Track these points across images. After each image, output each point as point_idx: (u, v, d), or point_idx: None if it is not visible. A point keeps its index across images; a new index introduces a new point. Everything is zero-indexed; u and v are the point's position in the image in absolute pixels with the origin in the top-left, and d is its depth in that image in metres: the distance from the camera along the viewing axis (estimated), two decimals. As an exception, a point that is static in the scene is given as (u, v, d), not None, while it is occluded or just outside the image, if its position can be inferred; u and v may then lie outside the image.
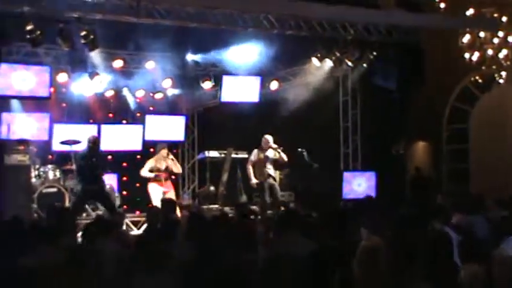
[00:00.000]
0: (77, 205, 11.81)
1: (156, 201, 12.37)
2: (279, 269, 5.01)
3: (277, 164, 13.58)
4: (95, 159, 11.82)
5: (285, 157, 13.43)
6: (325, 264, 5.09)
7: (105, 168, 12.48)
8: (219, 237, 7.05)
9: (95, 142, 12.01)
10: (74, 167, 12.43)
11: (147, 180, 13.47)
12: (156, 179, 13.32)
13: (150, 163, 13.44)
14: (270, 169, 13.45)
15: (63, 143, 13.04)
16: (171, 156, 13.68)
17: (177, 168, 13.74)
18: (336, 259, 5.13)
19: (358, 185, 14.99)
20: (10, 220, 6.36)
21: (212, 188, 14.93)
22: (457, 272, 4.95)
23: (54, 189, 13.03)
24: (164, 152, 13.52)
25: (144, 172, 13.39)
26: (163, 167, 13.39)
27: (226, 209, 13.50)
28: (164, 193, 13.14)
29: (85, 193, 11.83)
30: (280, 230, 7.27)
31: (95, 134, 13.01)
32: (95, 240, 6.67)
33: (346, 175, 15.36)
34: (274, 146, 13.41)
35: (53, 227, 7.02)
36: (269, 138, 13.48)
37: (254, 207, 14.54)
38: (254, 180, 13.44)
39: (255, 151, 13.50)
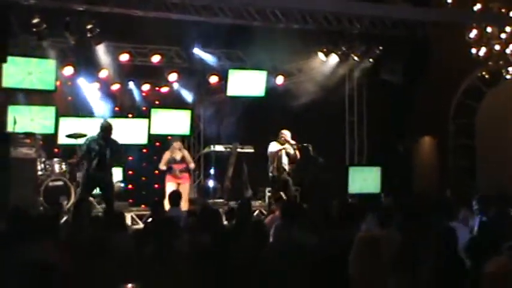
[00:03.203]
0: (83, 194, 11.62)
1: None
2: (281, 262, 5.01)
3: (290, 159, 13.44)
4: (104, 146, 11.47)
5: (298, 155, 13.33)
6: (327, 258, 5.11)
7: (117, 157, 12.05)
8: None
9: (105, 129, 11.59)
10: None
11: (164, 175, 13.66)
12: (171, 174, 13.52)
13: (166, 156, 13.65)
14: (285, 164, 13.34)
15: (69, 136, 13.04)
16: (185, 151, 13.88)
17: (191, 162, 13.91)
18: (338, 253, 5.14)
19: (364, 179, 14.97)
20: (13, 210, 6.35)
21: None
22: (462, 266, 4.95)
23: (60, 183, 13.01)
24: (177, 144, 13.71)
25: (162, 165, 13.63)
26: (178, 157, 13.53)
27: (232, 203, 13.50)
28: (178, 185, 13.27)
29: (89, 180, 11.57)
30: (283, 223, 7.27)
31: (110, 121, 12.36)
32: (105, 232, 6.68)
33: (352, 170, 15.35)
34: (292, 142, 13.31)
35: (58, 220, 7.02)
36: (287, 133, 13.33)
37: (259, 201, 14.63)
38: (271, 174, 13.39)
39: (274, 143, 13.36)
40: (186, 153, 14.02)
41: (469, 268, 5.35)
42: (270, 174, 13.30)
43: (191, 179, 14.36)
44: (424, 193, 12.88)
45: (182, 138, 14.61)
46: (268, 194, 14.55)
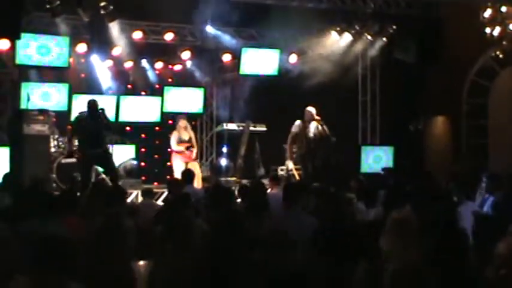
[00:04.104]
0: (84, 173, 11.58)
1: (178, 173, 12.43)
2: (280, 243, 5.05)
3: (319, 136, 13.37)
4: (93, 123, 11.49)
5: (326, 129, 13.28)
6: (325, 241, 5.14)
7: (110, 131, 12.15)
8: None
9: (90, 106, 11.58)
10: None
11: (170, 153, 13.74)
12: (178, 152, 13.54)
13: (174, 136, 13.64)
14: (311, 142, 13.30)
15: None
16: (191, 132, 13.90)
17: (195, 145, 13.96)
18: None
19: (376, 159, 14.98)
20: (30, 187, 6.40)
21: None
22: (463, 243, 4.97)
23: (73, 160, 13.08)
24: (182, 123, 13.69)
25: (174, 146, 13.61)
26: (186, 137, 13.57)
27: (244, 181, 13.53)
28: (186, 163, 13.30)
29: (87, 158, 11.59)
30: (286, 204, 7.28)
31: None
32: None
33: (364, 149, 15.35)
34: (317, 117, 13.27)
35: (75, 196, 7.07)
36: (312, 110, 13.26)
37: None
38: (289, 154, 13.41)
39: (298, 122, 13.34)
40: (192, 134, 13.99)
41: (471, 246, 5.41)
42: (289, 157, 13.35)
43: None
44: (434, 172, 12.82)
45: (188, 117, 14.54)
46: (281, 172, 14.59)
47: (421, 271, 3.87)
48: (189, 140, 13.72)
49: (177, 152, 13.61)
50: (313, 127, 13.27)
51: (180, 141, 13.60)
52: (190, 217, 5.85)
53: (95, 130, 11.52)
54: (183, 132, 13.68)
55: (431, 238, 4.90)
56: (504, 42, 14.41)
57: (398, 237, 4.94)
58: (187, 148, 13.62)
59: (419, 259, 4.67)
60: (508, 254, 4.00)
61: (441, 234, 4.99)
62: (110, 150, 12.37)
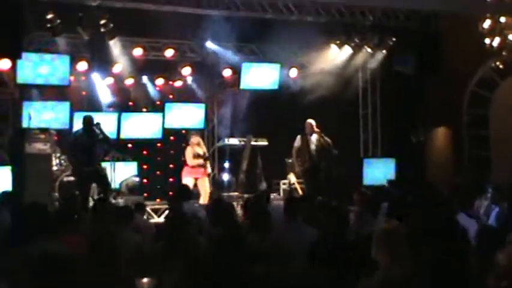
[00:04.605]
0: (83, 191, 11.54)
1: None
2: (281, 257, 5.04)
3: (321, 148, 13.39)
4: (90, 140, 11.56)
5: (328, 140, 13.31)
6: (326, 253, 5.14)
7: (108, 143, 12.19)
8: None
9: (86, 122, 11.71)
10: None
11: (181, 170, 13.85)
12: (188, 167, 13.62)
13: (189, 151, 13.72)
14: (313, 155, 13.31)
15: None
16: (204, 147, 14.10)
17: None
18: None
19: (378, 171, 14.98)
20: (31, 206, 6.40)
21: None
22: (464, 256, 4.96)
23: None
24: (195, 139, 13.83)
25: (190, 160, 13.63)
26: (201, 152, 13.65)
27: (246, 196, 13.52)
28: (196, 179, 13.35)
29: (82, 176, 11.63)
30: (286, 217, 7.29)
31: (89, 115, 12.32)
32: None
33: (366, 161, 15.36)
34: (317, 130, 13.31)
35: (75, 214, 7.07)
36: (312, 122, 13.33)
37: (274, 194, 14.65)
38: (297, 169, 13.44)
39: (298, 137, 13.38)
40: (205, 149, 14.15)
41: (475, 256, 5.39)
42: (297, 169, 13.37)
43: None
44: (436, 183, 12.81)
45: (199, 132, 14.68)
46: (283, 186, 14.61)
47: (408, 282, 3.85)
48: (204, 154, 13.84)
49: (192, 167, 13.61)
50: (314, 139, 13.30)
51: (199, 157, 13.64)
52: (193, 234, 5.84)
53: (90, 147, 11.57)
54: (197, 147, 13.75)
55: (431, 247, 4.90)
56: (504, 53, 14.43)
57: (386, 247, 4.95)
58: (206, 159, 13.69)
59: (409, 270, 4.66)
60: (508, 264, 3.98)
61: (442, 242, 4.99)
62: (103, 167, 12.35)
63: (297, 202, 7.71)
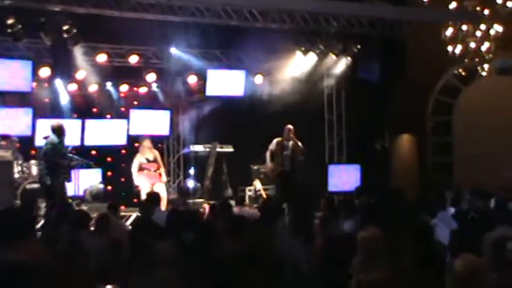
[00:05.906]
0: (62, 200, 11.42)
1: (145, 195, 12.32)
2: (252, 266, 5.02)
3: (294, 154, 13.33)
4: (65, 150, 11.39)
5: (302, 147, 13.24)
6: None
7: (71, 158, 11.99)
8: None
9: (62, 130, 11.39)
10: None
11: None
12: (143, 172, 13.38)
13: (138, 158, 13.48)
14: (285, 160, 13.27)
15: (46, 138, 12.92)
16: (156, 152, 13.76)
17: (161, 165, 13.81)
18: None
19: (343, 177, 15.03)
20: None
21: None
22: (440, 260, 5.00)
23: (38, 185, 12.91)
24: (147, 143, 13.58)
25: (134, 168, 13.42)
26: (151, 157, 13.45)
27: (212, 203, 13.46)
28: (152, 185, 13.17)
29: (64, 187, 11.43)
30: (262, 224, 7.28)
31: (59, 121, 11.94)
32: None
33: (331, 168, 15.42)
34: (292, 136, 13.20)
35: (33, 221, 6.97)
36: (291, 127, 13.17)
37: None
38: (269, 164, 13.31)
39: (274, 141, 13.31)
40: (157, 153, 13.85)
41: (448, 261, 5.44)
42: (269, 165, 13.28)
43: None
44: (403, 191, 12.93)
45: (154, 140, 14.45)
46: (248, 193, 14.58)
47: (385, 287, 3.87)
48: (155, 160, 13.58)
49: (143, 170, 13.42)
50: (290, 145, 13.24)
51: (148, 162, 13.47)
52: (154, 241, 5.78)
53: (68, 158, 11.44)
54: (148, 152, 13.56)
55: (408, 252, 4.94)
56: (466, 60, 14.63)
57: (365, 254, 4.98)
58: (155, 170, 13.48)
59: (387, 276, 4.68)
60: (464, 270, 4.01)
61: (416, 249, 5.03)
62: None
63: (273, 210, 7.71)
